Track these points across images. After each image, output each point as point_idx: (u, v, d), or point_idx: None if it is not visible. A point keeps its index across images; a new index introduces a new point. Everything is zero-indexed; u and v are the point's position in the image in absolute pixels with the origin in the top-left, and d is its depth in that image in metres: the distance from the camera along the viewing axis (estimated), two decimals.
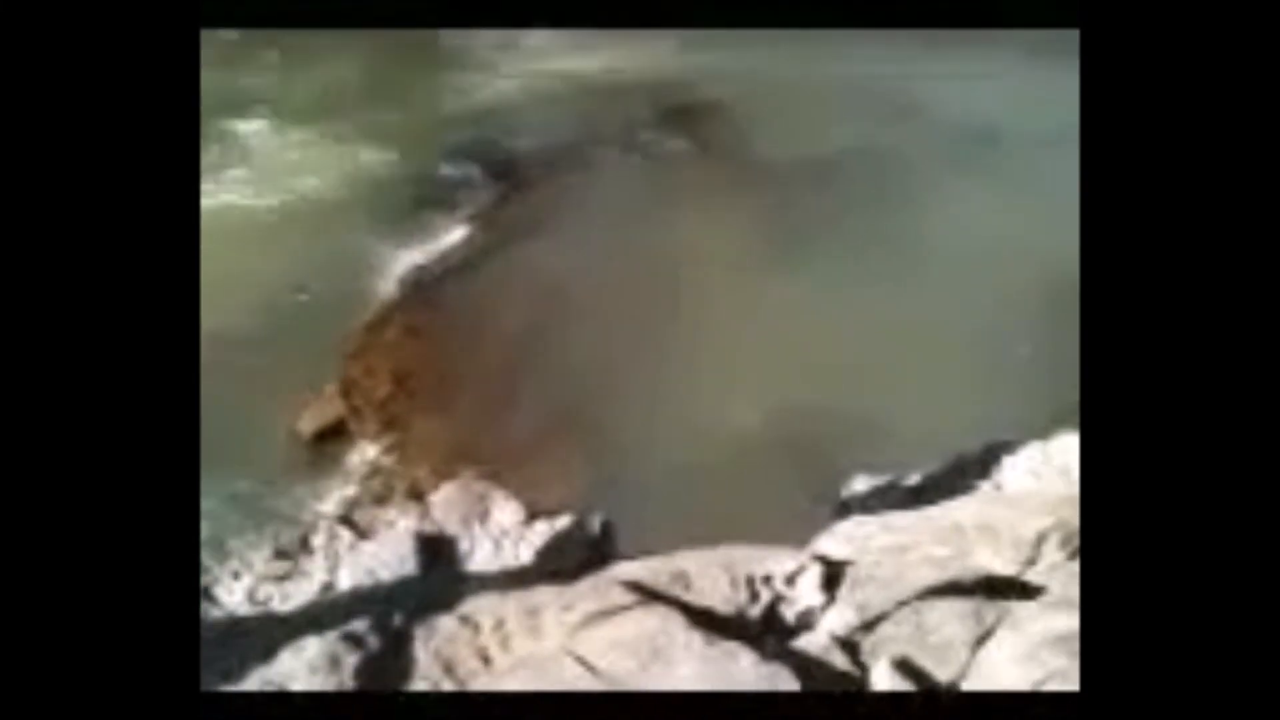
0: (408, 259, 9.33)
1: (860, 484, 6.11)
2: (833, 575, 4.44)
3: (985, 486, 5.72)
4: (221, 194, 9.62)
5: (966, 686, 3.92)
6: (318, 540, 5.21)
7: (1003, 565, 4.33)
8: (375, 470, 7.31)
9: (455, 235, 9.64)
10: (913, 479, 5.96)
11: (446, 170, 10.39)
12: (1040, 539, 4.37)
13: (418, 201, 10.00)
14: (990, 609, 4.12)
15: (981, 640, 4.04)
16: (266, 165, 10.09)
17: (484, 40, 12.17)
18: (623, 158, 10.63)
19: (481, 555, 5.20)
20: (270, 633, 4.51)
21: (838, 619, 4.18)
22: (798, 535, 4.95)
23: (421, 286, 9.04)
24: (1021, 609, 4.09)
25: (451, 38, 12.26)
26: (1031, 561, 4.34)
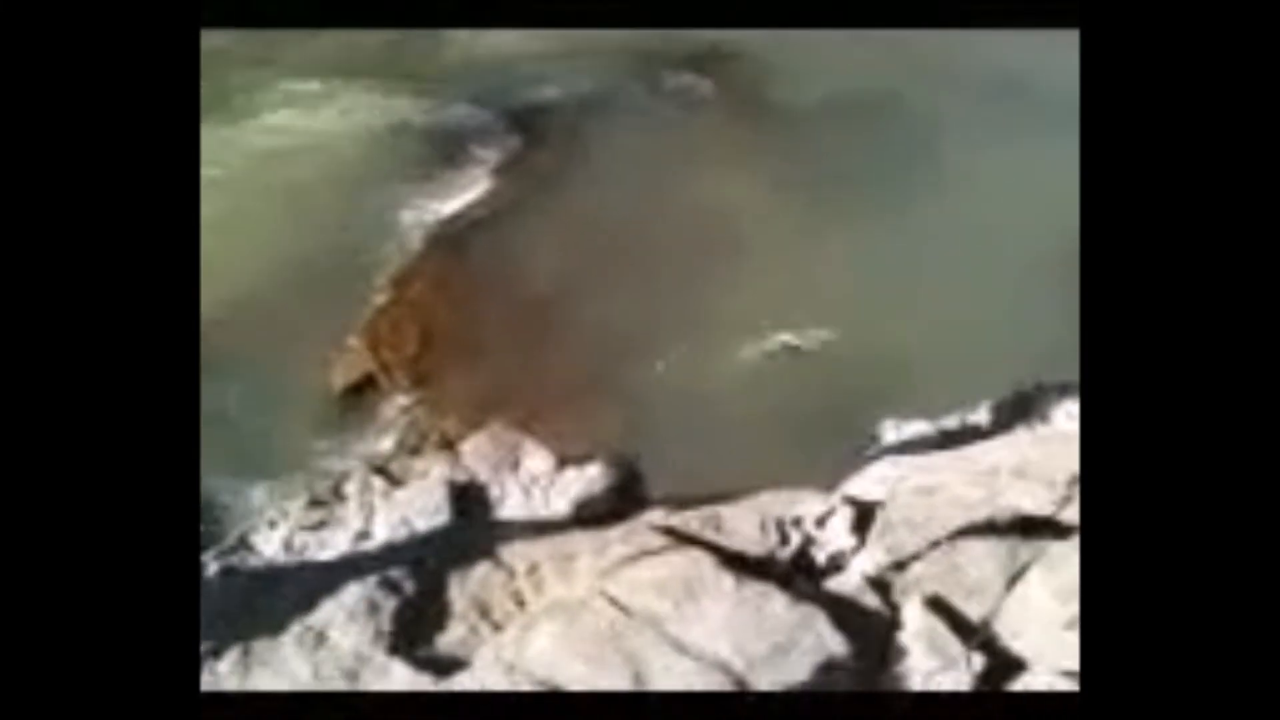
0: (432, 212, 9.31)
1: (893, 428, 6.09)
2: (864, 517, 4.45)
3: (1019, 429, 5.68)
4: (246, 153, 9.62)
5: (999, 625, 3.93)
6: (351, 489, 5.27)
7: (1036, 505, 4.31)
8: (407, 422, 7.37)
9: (479, 187, 9.60)
10: (946, 422, 5.92)
11: (469, 121, 10.32)
12: (1074, 479, 4.34)
13: (441, 154, 9.95)
14: (1024, 548, 4.12)
15: (1015, 579, 4.05)
16: (288, 120, 10.06)
17: None
18: (647, 105, 10.50)
19: (513, 502, 5.24)
20: (308, 580, 4.58)
21: (869, 560, 4.20)
22: (833, 479, 4.94)
23: (447, 239, 9.02)
24: (1055, 548, 4.09)
25: None
26: (1066, 501, 4.32)
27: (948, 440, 5.41)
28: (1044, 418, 5.67)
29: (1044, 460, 4.49)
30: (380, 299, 8.40)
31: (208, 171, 9.23)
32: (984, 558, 4.08)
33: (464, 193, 9.54)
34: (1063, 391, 5.90)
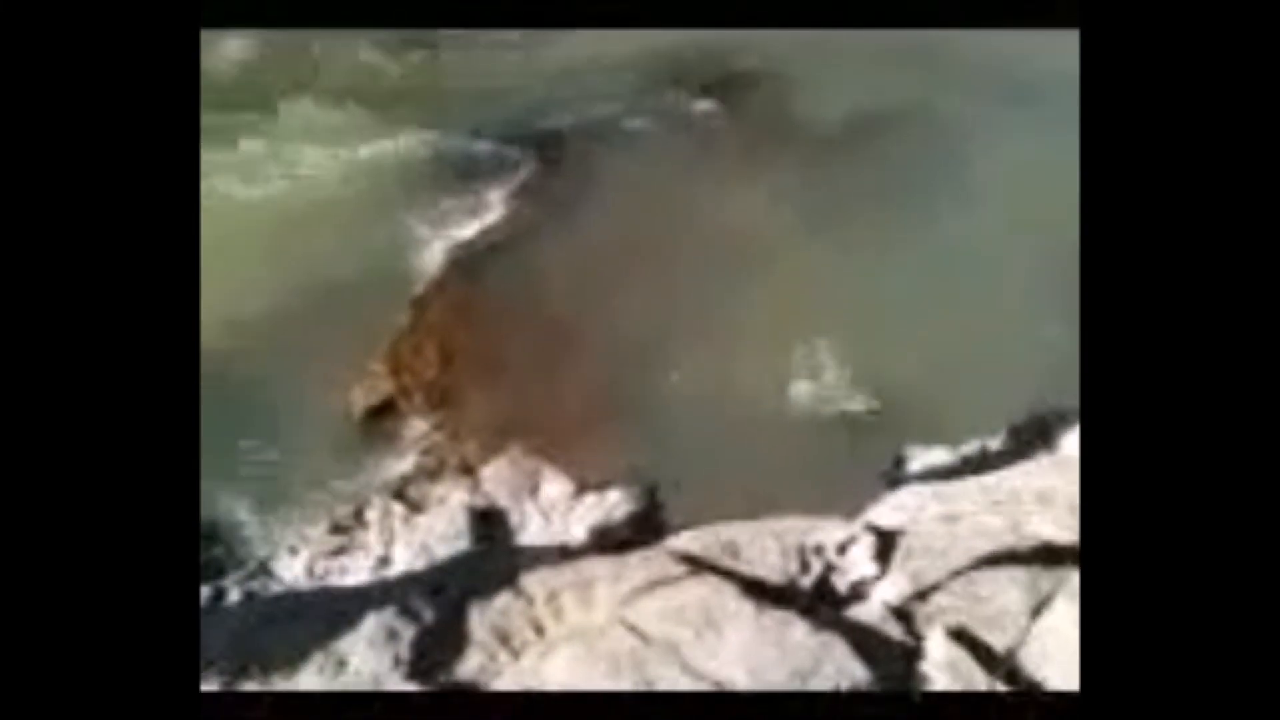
0: (451, 237, 9.37)
1: (914, 454, 6.05)
2: (885, 545, 4.41)
3: (1041, 455, 5.63)
4: (268, 177, 9.74)
5: (1025, 654, 3.88)
6: (372, 515, 5.29)
7: (1058, 532, 4.27)
8: (427, 446, 7.39)
9: (496, 212, 9.66)
10: (968, 449, 5.88)
11: (486, 147, 10.40)
12: None
13: (458, 179, 10.03)
14: (1047, 576, 4.07)
15: (1039, 608, 4.00)
16: (306, 147, 10.16)
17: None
18: (660, 129, 10.54)
19: (532, 528, 5.24)
20: (328, 607, 4.59)
21: (891, 588, 4.16)
22: (854, 507, 4.91)
23: (466, 264, 9.08)
24: (1078, 576, 4.04)
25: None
26: None
27: (969, 466, 5.37)
28: (1061, 442, 5.61)
29: (1065, 486, 4.45)
30: (401, 323, 8.46)
31: (245, 191, 9.39)
32: (1007, 586, 4.04)
33: (482, 217, 9.61)
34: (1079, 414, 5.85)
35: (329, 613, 4.55)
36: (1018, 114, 9.74)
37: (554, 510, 5.46)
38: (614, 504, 5.48)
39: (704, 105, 10.80)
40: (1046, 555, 4.19)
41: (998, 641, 3.91)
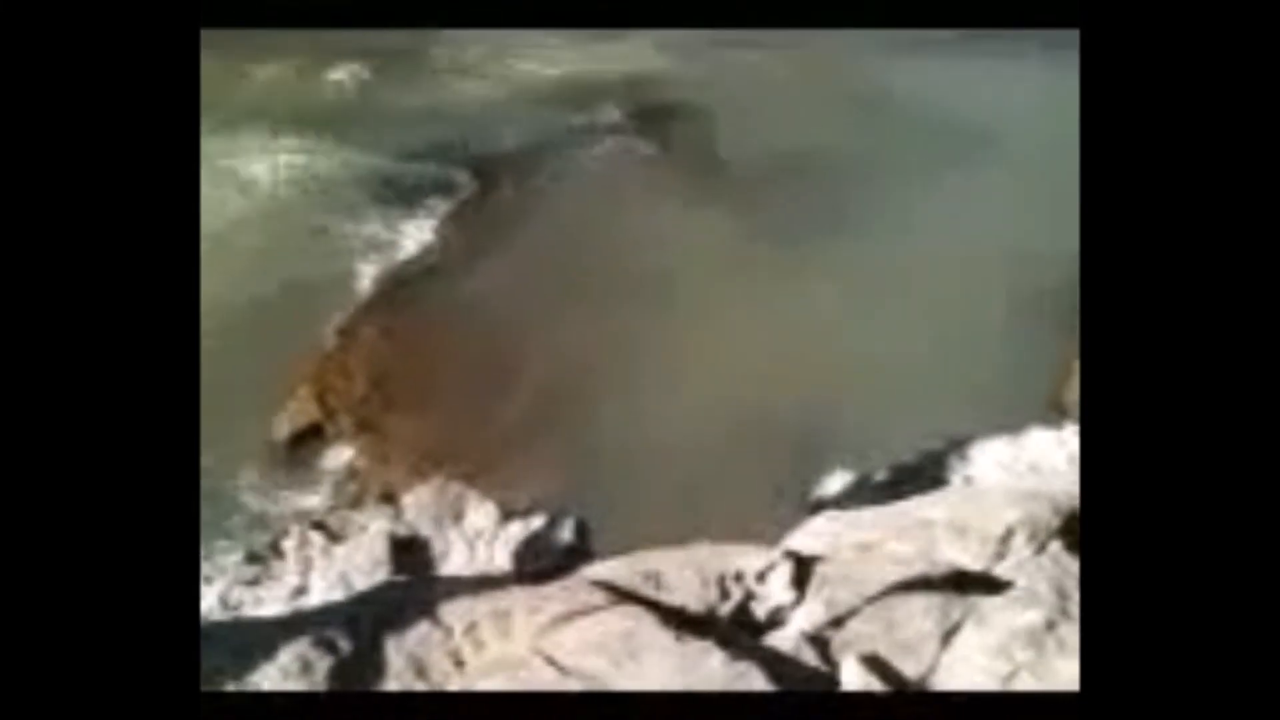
0: (381, 261, 9.30)
1: (834, 481, 6.15)
2: (803, 572, 4.47)
3: (956, 482, 5.77)
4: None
5: (935, 682, 3.95)
6: (289, 544, 5.19)
7: (971, 560, 4.37)
8: (350, 474, 7.29)
9: (427, 237, 9.62)
10: (885, 475, 6.00)
11: (418, 171, 10.36)
12: (1008, 533, 4.40)
13: (389, 202, 9.97)
14: (958, 604, 4.16)
15: (949, 635, 4.08)
16: (232, 166, 10.02)
17: (452, 39, 12.11)
18: (593, 158, 10.63)
19: (455, 557, 5.19)
20: (242, 637, 4.48)
21: (807, 616, 4.21)
22: (773, 533, 4.97)
23: (395, 288, 9.01)
24: (988, 603, 4.13)
25: (421, 38, 12.20)
26: (1000, 556, 4.38)
27: (887, 492, 5.47)
28: (973, 471, 5.76)
29: (978, 514, 4.56)
30: (328, 347, 8.35)
31: None
32: (919, 614, 4.11)
33: (413, 241, 9.55)
34: (993, 438, 6.02)
35: (243, 644, 4.44)
36: (947, 148, 10.05)
37: (478, 538, 5.41)
38: (539, 531, 5.45)
39: (639, 134, 10.93)
40: (958, 582, 4.28)
41: (910, 668, 3.98)
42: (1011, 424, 6.15)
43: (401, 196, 10.02)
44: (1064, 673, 3.77)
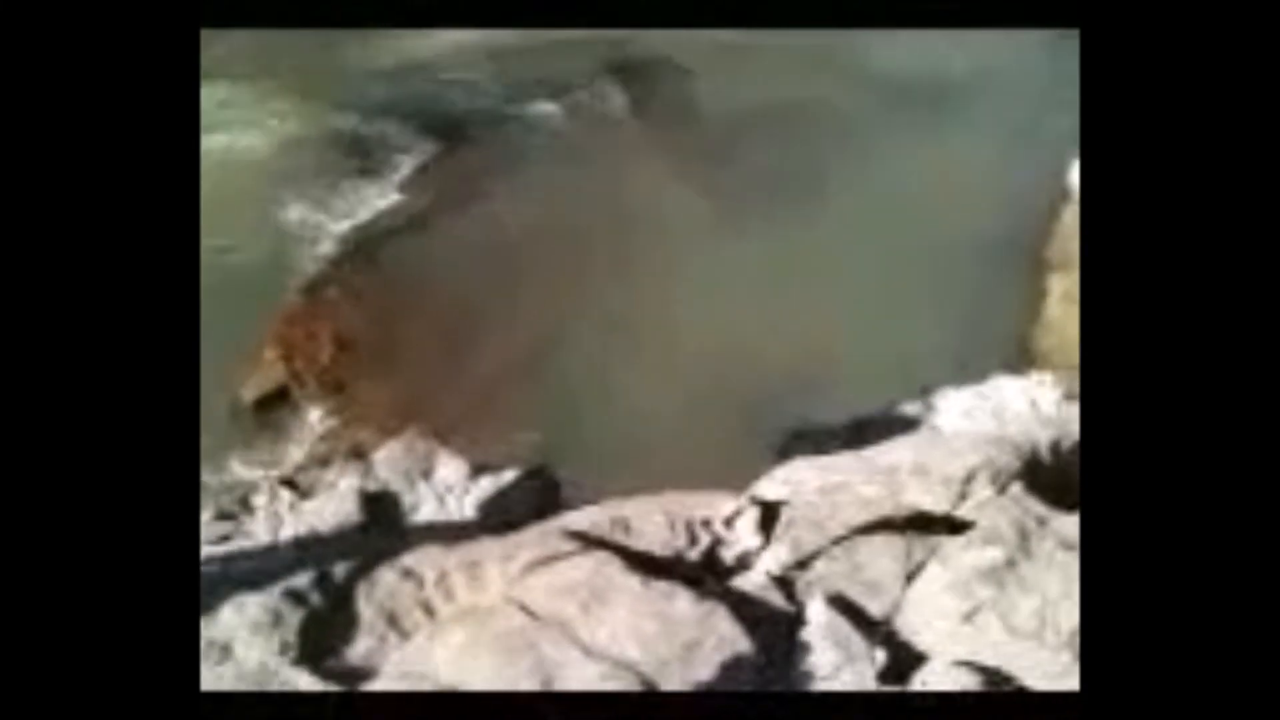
0: (345, 220, 9.20)
1: (801, 431, 6.22)
2: (769, 517, 4.53)
3: (921, 429, 5.85)
4: None
5: (899, 620, 4.05)
6: (259, 501, 5.18)
7: (934, 502, 4.45)
8: (321, 433, 7.27)
9: (392, 196, 9.52)
10: (851, 424, 6.08)
11: (383, 129, 10.23)
12: (969, 476, 4.48)
13: (354, 161, 9.85)
14: (921, 544, 4.25)
15: (913, 575, 4.17)
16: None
17: None
18: (562, 115, 10.54)
19: (425, 511, 5.21)
20: (211, 591, 4.49)
21: (774, 558, 4.28)
22: (741, 481, 5.03)
23: (361, 248, 8.93)
24: (951, 543, 4.22)
25: None
26: (962, 497, 4.46)
27: (854, 441, 5.54)
28: (935, 423, 5.85)
29: (941, 459, 4.63)
30: (293, 308, 8.28)
31: None
32: (883, 554, 4.20)
33: (378, 200, 9.46)
34: (958, 386, 6.11)
35: (212, 600, 4.45)
36: (914, 105, 10.07)
37: (449, 493, 5.42)
38: (509, 486, 5.47)
39: (609, 91, 10.83)
40: (921, 524, 4.37)
41: (874, 607, 4.07)
42: (976, 371, 6.23)
43: (365, 154, 9.90)
44: (1024, 608, 3.87)
